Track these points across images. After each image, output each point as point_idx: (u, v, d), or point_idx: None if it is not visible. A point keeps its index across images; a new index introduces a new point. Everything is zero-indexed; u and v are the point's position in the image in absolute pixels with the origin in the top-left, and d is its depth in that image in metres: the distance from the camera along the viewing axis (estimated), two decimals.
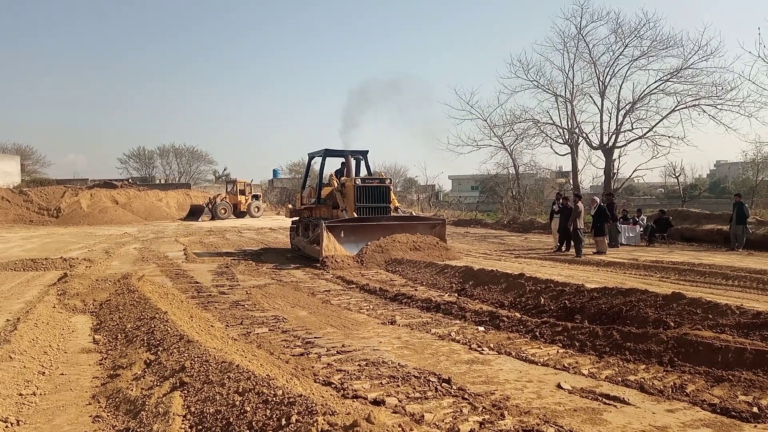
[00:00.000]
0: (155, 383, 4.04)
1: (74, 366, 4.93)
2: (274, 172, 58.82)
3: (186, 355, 4.34)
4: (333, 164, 19.10)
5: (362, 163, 15.42)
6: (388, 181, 14.36)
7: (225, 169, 66.95)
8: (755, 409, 3.61)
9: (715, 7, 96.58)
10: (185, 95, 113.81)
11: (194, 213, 36.60)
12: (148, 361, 4.60)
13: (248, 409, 2.96)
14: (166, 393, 3.74)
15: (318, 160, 15.68)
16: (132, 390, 3.99)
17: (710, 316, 5.47)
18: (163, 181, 56.65)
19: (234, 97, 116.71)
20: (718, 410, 3.67)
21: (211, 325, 6.18)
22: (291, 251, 15.71)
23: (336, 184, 14.22)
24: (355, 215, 13.19)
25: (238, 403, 3.10)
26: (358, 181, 13.67)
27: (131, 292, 7.75)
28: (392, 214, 13.92)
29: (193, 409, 3.37)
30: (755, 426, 3.43)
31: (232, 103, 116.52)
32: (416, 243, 13.10)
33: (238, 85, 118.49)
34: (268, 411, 2.86)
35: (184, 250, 16.26)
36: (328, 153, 14.96)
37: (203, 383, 3.62)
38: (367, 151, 15.38)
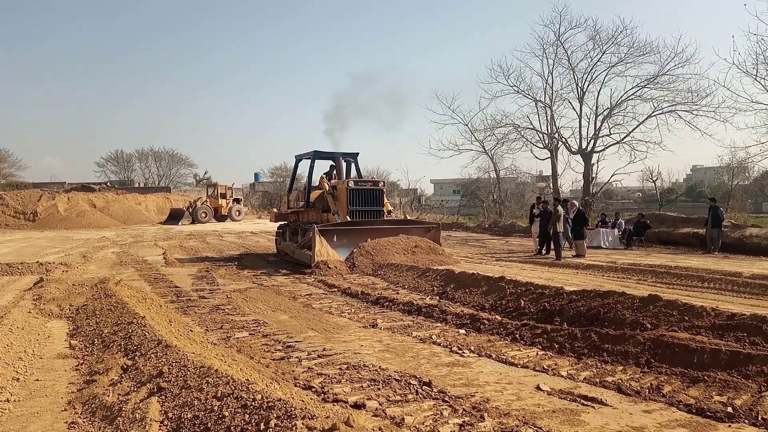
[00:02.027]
0: (132, 389, 3.99)
1: (50, 372, 4.84)
2: (256, 175, 58.45)
3: (164, 360, 4.29)
4: (321, 167, 18.72)
5: (352, 165, 15.05)
6: (382, 183, 13.97)
7: (206, 173, 66.47)
8: (729, 409, 3.68)
9: (691, 14, 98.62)
10: (165, 99, 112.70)
11: (174, 217, 36.22)
12: (125, 367, 4.54)
13: (227, 413, 2.93)
14: (143, 398, 3.69)
15: (306, 162, 15.23)
16: (108, 396, 3.93)
17: (686, 318, 5.56)
18: (142, 185, 55.96)
19: (215, 101, 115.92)
20: (694, 410, 3.73)
21: (191, 330, 6.12)
22: (276, 256, 15.38)
23: (327, 187, 13.71)
24: (349, 219, 12.82)
25: (216, 408, 3.07)
26: (351, 184, 13.21)
27: (108, 296, 7.64)
28: (386, 218, 13.57)
29: (170, 415, 3.33)
30: (729, 426, 3.49)
31: (214, 106, 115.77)
32: (412, 247, 12.67)
33: (219, 89, 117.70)
34: (247, 416, 2.84)
35: (163, 254, 16.08)
36: (317, 155, 14.53)
37: (181, 388, 3.58)
38: (358, 153, 15.04)
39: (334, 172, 14.72)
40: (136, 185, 55.29)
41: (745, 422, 3.51)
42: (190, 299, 8.51)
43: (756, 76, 21.93)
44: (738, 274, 10.03)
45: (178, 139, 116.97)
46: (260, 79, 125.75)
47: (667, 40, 45.08)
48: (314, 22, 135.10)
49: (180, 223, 34.58)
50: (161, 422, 3.25)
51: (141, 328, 5.49)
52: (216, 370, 3.63)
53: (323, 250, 11.86)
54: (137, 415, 3.39)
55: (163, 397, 3.62)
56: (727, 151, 47.63)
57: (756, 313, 5.36)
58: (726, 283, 9.26)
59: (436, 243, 13.40)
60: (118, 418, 3.46)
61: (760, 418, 3.53)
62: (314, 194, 14.52)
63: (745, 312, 5.61)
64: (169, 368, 4.04)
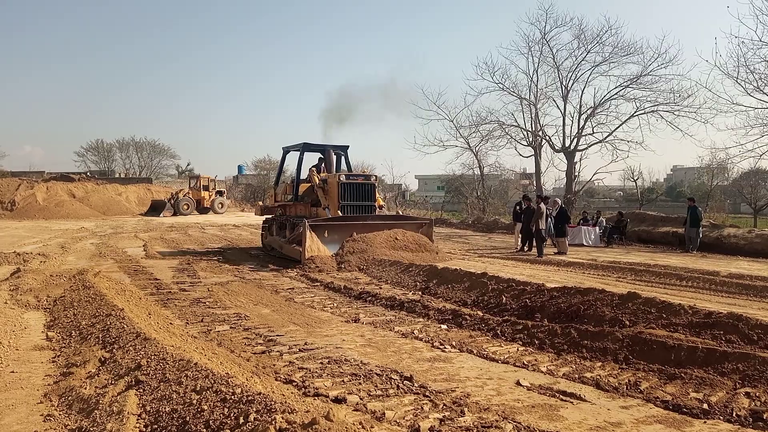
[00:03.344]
0: (110, 381, 3.94)
1: (26, 363, 4.76)
2: (239, 168, 57.95)
3: (142, 352, 4.24)
4: (309, 160, 18.31)
5: (342, 158, 14.72)
6: (374, 178, 13.62)
7: (188, 164, 65.75)
8: (705, 406, 3.74)
9: (675, 15, 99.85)
10: (147, 88, 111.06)
11: (155, 208, 35.78)
12: (102, 359, 4.47)
13: (205, 407, 2.91)
14: (121, 391, 3.64)
15: (293, 155, 14.84)
16: (85, 388, 3.88)
17: (664, 316, 5.64)
18: (123, 175, 55.13)
19: (200, 92, 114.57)
20: (671, 407, 3.78)
21: (170, 323, 6.05)
22: (261, 251, 15.10)
23: (317, 180, 13.25)
24: (340, 213, 12.50)
25: (195, 401, 3.04)
26: (342, 178, 12.89)
27: (87, 288, 7.53)
28: (377, 213, 13.28)
29: (148, 408, 3.29)
30: (705, 422, 3.54)
31: (198, 97, 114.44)
32: (403, 243, 12.28)
33: (204, 80, 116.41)
34: (226, 409, 2.82)
35: (144, 245, 15.89)
36: (306, 147, 14.18)
37: (159, 381, 3.54)
38: (348, 146, 14.71)
39: (323, 165, 14.39)
40: (117, 176, 54.43)
41: (720, 418, 3.57)
42: (170, 292, 8.42)
43: (737, 78, 22.28)
44: (716, 273, 10.21)
45: (161, 130, 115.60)
46: (246, 72, 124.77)
47: (650, 40, 45.46)
48: (301, 17, 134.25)
49: (161, 214, 34.16)
50: (139, 415, 3.21)
51: (119, 321, 5.42)
52: (195, 364, 3.60)
53: (314, 245, 11.52)
54: (114, 408, 3.34)
55: (141, 390, 3.58)
56: (708, 151, 48.51)
57: (732, 312, 5.45)
58: (704, 281, 9.41)
59: (428, 239, 13.12)
60: (95, 411, 3.41)
61: (734, 415, 3.59)
62: (302, 188, 14.16)
63: (722, 310, 5.71)
64: (147, 361, 3.99)
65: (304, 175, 14.38)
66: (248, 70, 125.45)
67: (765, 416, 3.52)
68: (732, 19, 71.75)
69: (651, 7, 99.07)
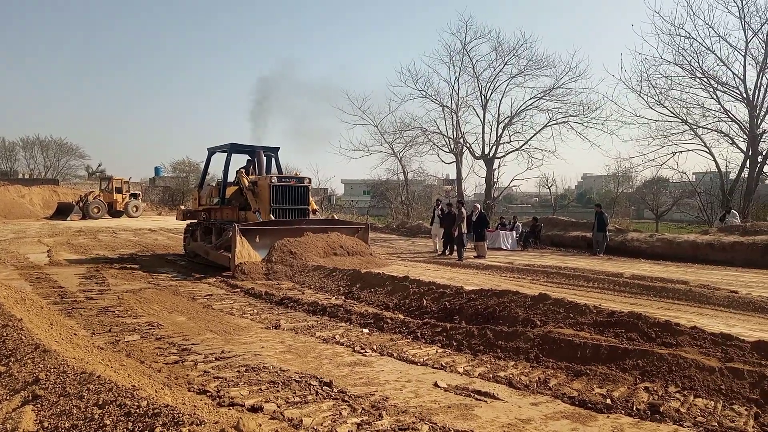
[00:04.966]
0: (4, 397, 3.62)
1: None
2: (156, 170, 55.40)
3: (41, 366, 3.93)
4: (237, 162, 17.44)
5: (273, 160, 14.25)
6: (307, 180, 13.19)
7: (99, 165, 61.93)
8: (608, 401, 3.97)
9: (585, 31, 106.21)
10: (54, 82, 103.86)
11: (62, 211, 33.46)
12: None
13: (108, 422, 2.74)
14: (17, 407, 3.36)
15: (218, 157, 14.12)
16: None
17: (571, 315, 5.95)
18: (26, 176, 51.18)
19: (112, 89, 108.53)
20: (577, 402, 3.99)
21: (75, 334, 5.66)
22: (181, 257, 14.37)
23: (246, 183, 12.70)
24: (272, 217, 12.06)
25: (97, 416, 2.86)
26: (274, 180, 12.46)
27: None
28: (311, 217, 12.95)
29: (46, 424, 3.06)
30: (608, 416, 3.76)
31: (110, 94, 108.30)
32: (338, 247, 11.92)
33: (117, 76, 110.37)
34: (130, 424, 2.66)
35: (48, 251, 14.79)
36: (235, 148, 13.53)
37: (59, 396, 3.30)
38: (279, 147, 14.25)
39: (251, 167, 13.91)
40: (20, 176, 50.48)
41: (622, 412, 3.80)
42: (75, 300, 7.88)
43: (640, 92, 24.12)
44: (619, 275, 10.91)
45: (69, 128, 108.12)
46: (163, 67, 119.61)
47: (562, 55, 48.39)
48: (222, 10, 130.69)
49: (69, 218, 31.98)
50: None
51: (17, 332, 5.00)
52: (98, 376, 3.38)
53: (244, 251, 10.98)
54: (8, 426, 3.08)
55: (39, 405, 3.32)
56: (614, 161, 52.00)
57: (633, 311, 5.83)
58: (609, 282, 10.02)
59: (365, 244, 12.94)
60: None
61: (635, 409, 3.83)
62: (230, 190, 13.57)
63: (624, 310, 6.10)
64: (46, 374, 3.71)
65: (231, 177, 13.77)
66: (164, 67, 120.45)
67: (662, 409, 3.78)
68: (636, 37, 77.39)
69: (563, 24, 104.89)
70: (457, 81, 29.35)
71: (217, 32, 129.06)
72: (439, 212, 16.86)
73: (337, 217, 25.89)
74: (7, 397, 3.59)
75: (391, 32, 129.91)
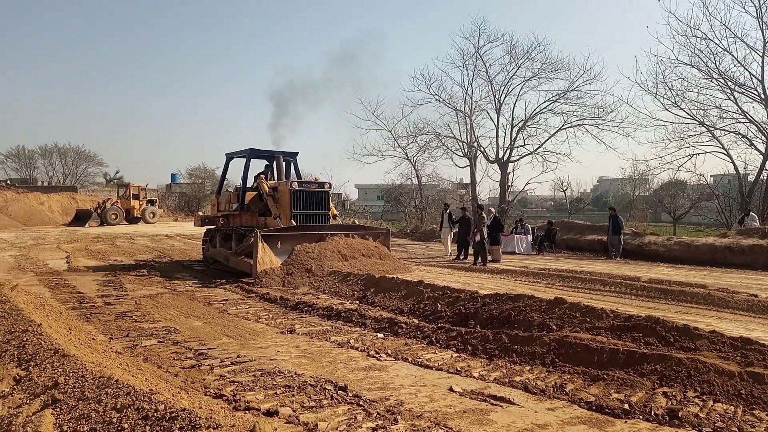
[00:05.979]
0: (24, 401, 3.69)
1: None
2: (173, 176, 56.07)
3: (60, 370, 4.00)
4: (256, 167, 17.29)
5: (291, 165, 14.14)
6: (327, 185, 13.02)
7: (117, 172, 62.97)
8: (626, 406, 3.91)
9: (600, 33, 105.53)
10: (73, 90, 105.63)
11: (81, 218, 33.99)
12: (17, 378, 4.19)
13: (126, 426, 2.77)
14: (36, 411, 3.42)
15: (237, 162, 14.00)
16: None
17: (588, 320, 5.89)
18: (45, 184, 52.05)
19: (129, 96, 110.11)
20: (594, 408, 3.94)
21: (93, 338, 5.74)
22: (198, 263, 14.38)
23: (266, 188, 12.58)
24: (293, 223, 11.91)
25: (115, 420, 2.90)
26: (295, 185, 12.28)
27: (2, 303, 7.01)
28: (332, 222, 12.82)
29: (65, 428, 3.11)
30: (626, 422, 3.71)
31: (128, 101, 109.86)
32: (360, 252, 11.79)
33: (134, 84, 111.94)
34: (148, 427, 2.70)
35: (66, 257, 15.03)
36: (254, 153, 13.45)
37: (78, 400, 3.35)
38: (297, 152, 14.10)
39: (269, 172, 13.88)
40: (39, 184, 51.36)
41: (640, 418, 3.75)
42: (94, 306, 8.00)
43: (656, 94, 23.89)
44: (636, 279, 10.79)
45: (87, 136, 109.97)
46: (181, 74, 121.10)
47: (577, 58, 48.16)
48: (234, 15, 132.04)
49: (87, 224, 32.47)
50: None
51: (37, 337, 5.09)
52: (117, 381, 3.42)
53: (266, 258, 10.73)
54: (29, 429, 3.13)
55: (58, 409, 3.37)
56: (630, 164, 51.51)
57: (651, 315, 5.75)
58: (625, 286, 9.90)
59: (387, 249, 12.77)
60: None
61: (653, 414, 3.78)
62: (249, 196, 13.50)
63: (641, 314, 6.02)
64: (65, 379, 3.77)
65: (249, 182, 13.77)
66: (185, 67, 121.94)
67: (680, 414, 3.72)
68: (651, 38, 76.75)
69: (577, 26, 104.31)
70: (471, 85, 29.40)
71: (234, 35, 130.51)
72: (447, 217, 16.82)
73: (357, 223, 25.80)
74: (27, 401, 3.65)
75: (402, 36, 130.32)
